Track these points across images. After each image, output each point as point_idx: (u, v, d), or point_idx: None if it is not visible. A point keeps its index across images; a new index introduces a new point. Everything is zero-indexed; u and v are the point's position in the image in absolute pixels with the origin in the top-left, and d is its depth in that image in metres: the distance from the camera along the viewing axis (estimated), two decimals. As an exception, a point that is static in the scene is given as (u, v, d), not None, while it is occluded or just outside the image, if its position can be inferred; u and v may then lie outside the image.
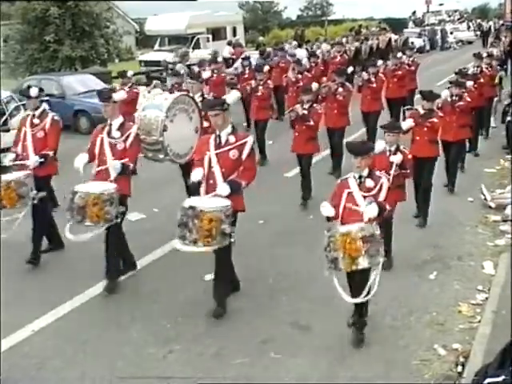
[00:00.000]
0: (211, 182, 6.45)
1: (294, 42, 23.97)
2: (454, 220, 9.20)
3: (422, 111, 8.89)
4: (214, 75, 15.37)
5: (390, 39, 27.94)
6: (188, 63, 20.88)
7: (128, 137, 7.26)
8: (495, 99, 14.69)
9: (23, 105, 13.54)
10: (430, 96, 8.96)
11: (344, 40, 25.17)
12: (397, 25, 44.43)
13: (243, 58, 17.77)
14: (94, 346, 6.06)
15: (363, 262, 5.37)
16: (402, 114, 13.89)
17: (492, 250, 8.15)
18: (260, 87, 13.13)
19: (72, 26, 22.87)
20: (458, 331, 6.22)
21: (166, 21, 30.56)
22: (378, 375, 5.50)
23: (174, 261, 7.81)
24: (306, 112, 9.79)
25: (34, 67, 23.19)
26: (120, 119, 7.36)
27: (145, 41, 38.24)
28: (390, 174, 6.92)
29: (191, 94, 9.06)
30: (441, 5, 57.73)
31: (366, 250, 5.34)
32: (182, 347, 6.02)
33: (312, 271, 7.02)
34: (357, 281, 5.70)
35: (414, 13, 55.35)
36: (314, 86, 10.89)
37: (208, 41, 29.82)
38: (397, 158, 7.24)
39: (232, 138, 6.50)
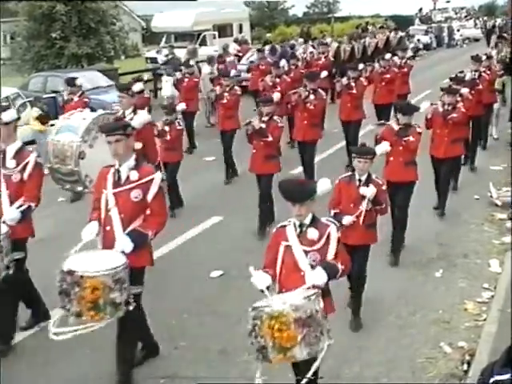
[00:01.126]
0: (108, 228, 5.15)
1: (301, 39, 23.90)
2: (460, 218, 9.18)
3: (396, 127, 7.63)
4: (186, 79, 13.92)
5: (388, 38, 26.42)
6: (197, 60, 20.89)
7: (25, 166, 5.85)
8: (496, 106, 13.54)
9: (30, 101, 13.62)
10: (406, 109, 7.74)
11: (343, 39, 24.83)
12: (403, 22, 44.31)
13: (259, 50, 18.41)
14: (99, 343, 6.07)
15: (300, 354, 4.04)
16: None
17: (498, 247, 8.13)
18: (226, 94, 11.56)
19: (78, 23, 22.88)
20: (463, 329, 6.21)
21: (172, 18, 30.52)
22: (383, 373, 5.50)
23: (180, 258, 7.84)
24: (263, 126, 8.50)
25: (41, 64, 23.21)
26: (17, 144, 5.91)
27: (151, 38, 38.22)
28: (359, 210, 6.10)
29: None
30: (447, 2, 57.57)
31: (302, 338, 3.98)
32: (187, 344, 6.03)
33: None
34: (299, 365, 4.55)
35: (421, 10, 55.14)
36: (276, 95, 9.79)
37: (214, 38, 29.78)
38: (369, 192, 6.05)
39: (134, 175, 5.11)
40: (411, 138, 7.52)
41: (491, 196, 9.80)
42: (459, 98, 9.42)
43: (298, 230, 4.54)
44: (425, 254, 7.92)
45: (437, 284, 7.19)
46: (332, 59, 18.13)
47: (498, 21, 41.20)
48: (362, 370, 5.55)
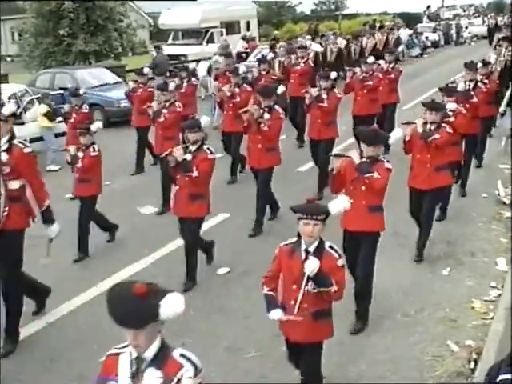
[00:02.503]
0: None
1: (308, 37, 23.85)
2: (468, 216, 9.16)
3: (356, 160, 5.92)
4: (140, 89, 12.14)
5: (387, 38, 25.07)
6: (202, 57, 20.91)
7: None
8: (497, 118, 12.57)
9: (37, 98, 13.66)
10: (372, 138, 5.99)
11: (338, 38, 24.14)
12: (411, 19, 44.18)
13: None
14: (107, 339, 6.08)
15: None
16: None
17: (505, 246, 8.10)
18: (164, 111, 9.83)
19: (86, 20, 22.94)
20: (470, 328, 6.19)
21: (179, 15, 30.56)
22: (390, 371, 5.50)
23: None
24: (188, 158, 6.85)
25: (48, 61, 23.30)
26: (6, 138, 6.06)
27: (158, 35, 38.25)
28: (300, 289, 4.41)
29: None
30: (456, -1, 57.41)
31: None
32: (194, 340, 6.03)
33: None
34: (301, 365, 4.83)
35: (429, 7, 54.89)
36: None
37: (222, 35, 29.77)
38: (309, 266, 4.26)
39: None
40: (375, 175, 5.83)
41: (499, 194, 9.77)
42: (451, 113, 8.15)
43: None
44: (432, 252, 7.89)
45: (444, 282, 7.17)
46: (312, 64, 15.64)
47: (502, 18, 40.64)
48: (368, 368, 5.55)
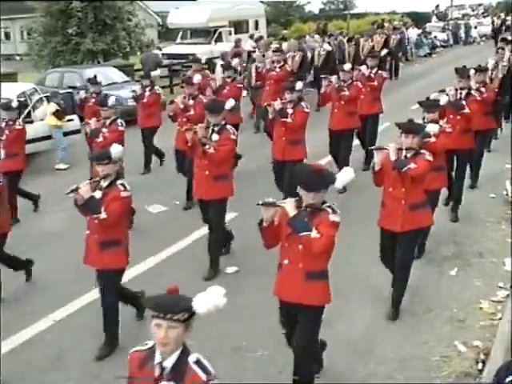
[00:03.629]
0: None
1: (317, 36, 23.80)
2: (476, 216, 9.13)
3: (291, 212, 4.69)
4: (91, 101, 11.13)
5: (387, 39, 22.75)
6: (210, 57, 20.92)
7: None
8: (499, 131, 12.06)
9: (46, 97, 13.70)
10: (314, 183, 4.69)
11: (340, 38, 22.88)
12: (420, 19, 44.06)
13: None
14: (121, 337, 6.10)
15: None
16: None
17: (514, 246, 8.08)
18: (104, 130, 8.85)
19: (94, 19, 22.99)
20: (478, 328, 6.18)
21: (188, 14, 30.56)
22: (397, 371, 5.50)
23: (195, 253, 7.86)
24: (97, 196, 5.78)
25: (57, 60, 23.35)
26: None
27: (167, 34, 38.31)
28: None
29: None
30: (464, -3, 57.22)
31: None
32: (202, 340, 6.03)
33: (336, 267, 7.00)
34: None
35: (438, 7, 54.74)
36: (115, 149, 5.83)
37: (230, 34, 29.77)
38: None
39: None
40: (312, 234, 4.57)
41: (507, 194, 9.73)
42: (432, 133, 6.78)
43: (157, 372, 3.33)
44: (440, 252, 7.88)
45: (452, 283, 7.16)
46: (289, 69, 14.03)
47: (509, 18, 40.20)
48: (376, 368, 5.55)
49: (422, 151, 6.05)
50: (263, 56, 14.83)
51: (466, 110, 8.55)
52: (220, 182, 7.24)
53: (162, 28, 40.67)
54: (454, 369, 5.54)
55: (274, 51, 13.83)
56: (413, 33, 31.66)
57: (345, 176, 4.86)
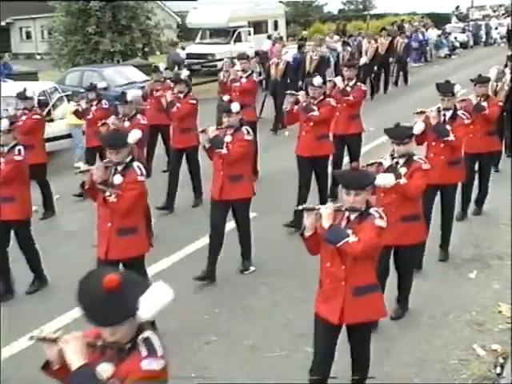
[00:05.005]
0: None
1: (336, 37, 23.72)
2: (495, 219, 9.05)
3: (347, 203, 4.49)
4: (24, 116, 9.54)
5: (391, 42, 21.24)
6: (229, 56, 20.88)
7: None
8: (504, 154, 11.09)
9: (67, 95, 13.81)
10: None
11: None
12: (440, 20, 43.82)
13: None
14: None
15: None
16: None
17: (534, 250, 8.00)
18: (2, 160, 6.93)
19: (112, 19, 23.10)
20: (497, 332, 6.13)
21: (207, 14, 30.64)
22: (415, 373, 5.47)
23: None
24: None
25: (77, 58, 23.52)
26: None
27: (186, 34, 38.43)
28: None
29: None
30: (485, -1, 56.84)
31: None
32: (219, 339, 6.06)
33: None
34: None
35: (458, 7, 54.49)
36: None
37: (249, 34, 29.80)
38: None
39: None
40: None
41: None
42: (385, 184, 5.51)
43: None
44: (459, 254, 7.83)
45: (471, 285, 7.11)
46: (258, 80, 12.30)
47: None
48: (393, 370, 5.52)
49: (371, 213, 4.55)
50: (232, 63, 12.30)
51: (451, 138, 7.10)
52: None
53: (182, 28, 40.77)
54: (473, 372, 5.49)
55: (240, 58, 11.53)
56: (433, 34, 31.50)
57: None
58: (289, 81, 15.49)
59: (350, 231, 4.35)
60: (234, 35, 28.85)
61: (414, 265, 6.53)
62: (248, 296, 6.93)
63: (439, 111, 7.29)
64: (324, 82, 8.69)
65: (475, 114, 8.41)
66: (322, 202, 8.22)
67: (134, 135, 5.87)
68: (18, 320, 6.47)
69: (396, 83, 22.09)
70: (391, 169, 5.77)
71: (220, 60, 24.19)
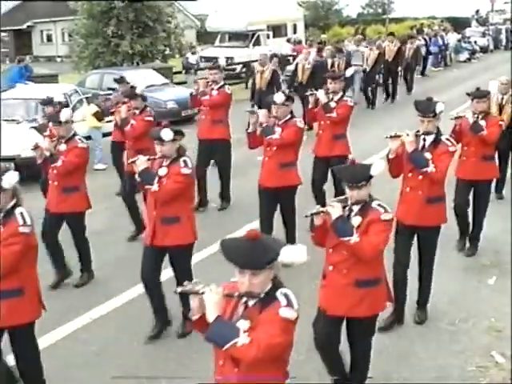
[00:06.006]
0: None
1: (375, 37, 23.42)
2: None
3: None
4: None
5: (400, 49, 19.97)
6: (248, 60, 20.99)
7: None
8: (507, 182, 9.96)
9: (87, 98, 13.91)
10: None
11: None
12: (459, 24, 43.59)
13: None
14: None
15: None
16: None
17: (554, 256, 7.92)
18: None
19: (134, 20, 23.23)
20: (516, 338, 6.08)
21: (226, 18, 30.76)
22: (433, 379, 5.44)
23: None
24: (165, 172, 5.86)
25: (97, 61, 23.69)
26: None
27: (205, 37, 38.59)
28: None
29: None
30: (506, 3, 56.35)
31: None
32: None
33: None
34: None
35: (478, 11, 54.11)
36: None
37: (268, 37, 29.87)
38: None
39: None
40: (353, 240, 4.52)
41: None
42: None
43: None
44: (478, 260, 7.79)
45: (490, 291, 7.06)
46: (229, 92, 9.75)
47: None
48: (411, 376, 5.49)
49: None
50: (213, 69, 9.90)
51: (431, 168, 5.81)
52: (173, 226, 5.92)
53: (201, 31, 40.93)
54: (491, 379, 5.46)
55: (210, 68, 10.04)
56: (452, 38, 31.36)
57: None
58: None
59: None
60: (253, 39, 28.91)
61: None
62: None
63: (417, 135, 5.96)
64: (288, 99, 7.38)
65: (471, 134, 7.51)
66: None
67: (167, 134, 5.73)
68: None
69: (409, 90, 21.12)
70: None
71: (239, 64, 24.29)
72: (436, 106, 5.93)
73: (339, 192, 8.30)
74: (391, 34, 22.12)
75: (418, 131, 5.99)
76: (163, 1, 24.50)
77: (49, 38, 48.76)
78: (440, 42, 28.45)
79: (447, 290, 6.89)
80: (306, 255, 3.36)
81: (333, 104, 8.47)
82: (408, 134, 5.87)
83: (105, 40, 23.47)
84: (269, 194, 7.54)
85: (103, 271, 7.69)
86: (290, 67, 21.01)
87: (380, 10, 59.86)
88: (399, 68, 20.27)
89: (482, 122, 7.51)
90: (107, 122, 12.97)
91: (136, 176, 5.90)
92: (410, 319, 6.37)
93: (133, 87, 9.84)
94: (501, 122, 7.90)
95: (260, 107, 13.13)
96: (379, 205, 4.60)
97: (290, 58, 23.87)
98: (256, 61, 18.33)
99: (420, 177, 5.94)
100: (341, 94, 8.69)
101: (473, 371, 5.57)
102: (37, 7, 45.18)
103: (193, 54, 24.82)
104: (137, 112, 8.87)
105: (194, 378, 5.38)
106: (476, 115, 7.60)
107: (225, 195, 10.07)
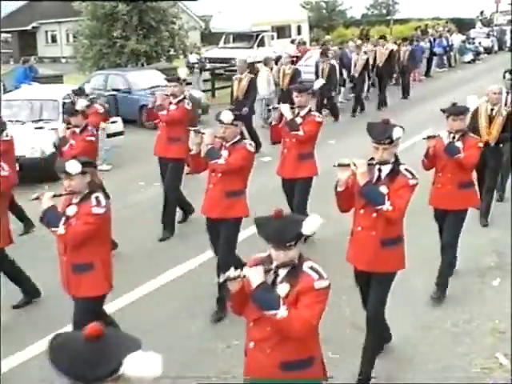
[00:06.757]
0: None
1: (359, 41, 23.66)
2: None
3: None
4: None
5: (392, 52, 19.35)
6: (252, 61, 20.99)
7: None
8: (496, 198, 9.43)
9: (91, 99, 13.93)
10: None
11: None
12: (464, 25, 43.57)
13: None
14: (156, 337, 6.17)
15: None
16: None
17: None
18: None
19: (139, 21, 23.28)
20: (520, 340, 6.08)
21: (230, 18, 30.78)
22: (437, 380, 5.45)
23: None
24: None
25: (101, 62, 23.73)
26: None
27: (210, 38, 38.63)
28: None
29: None
30: (510, 4, 56.28)
31: None
32: (240, 343, 6.04)
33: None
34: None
35: (482, 12, 54.08)
36: None
37: (272, 39, 29.88)
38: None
39: None
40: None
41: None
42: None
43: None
44: (482, 262, 7.79)
45: (494, 293, 7.06)
46: (188, 107, 8.81)
47: None
48: (414, 377, 5.50)
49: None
50: (172, 81, 9.02)
51: (386, 206, 4.87)
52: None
53: (205, 32, 40.96)
54: (495, 381, 5.46)
55: (168, 80, 9.15)
56: (456, 39, 31.34)
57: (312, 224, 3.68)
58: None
59: (384, 190, 4.86)
60: (258, 40, 28.93)
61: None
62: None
63: (370, 164, 4.97)
64: (237, 117, 6.37)
65: (447, 157, 6.58)
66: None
67: None
68: (32, 326, 6.53)
69: (405, 95, 20.56)
70: (262, 289, 3.59)
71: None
72: (392, 132, 4.89)
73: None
74: (382, 37, 21.67)
75: (371, 159, 4.99)
76: (167, 1, 24.52)
77: (53, 39, 48.87)
78: (444, 42, 28.46)
79: (451, 292, 6.89)
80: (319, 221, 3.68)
81: (299, 120, 7.68)
82: (355, 165, 4.89)
83: (109, 41, 23.51)
84: (214, 224, 6.55)
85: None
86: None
87: (384, 11, 59.86)
88: (392, 72, 19.55)
89: (459, 144, 6.52)
90: (112, 122, 13.03)
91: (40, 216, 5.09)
92: (413, 320, 6.38)
93: (73, 103, 9.13)
94: (480, 144, 6.70)
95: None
96: (312, 268, 3.66)
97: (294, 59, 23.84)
98: (260, 62, 18.43)
99: (374, 214, 4.99)
100: (308, 108, 7.82)
101: (477, 373, 5.57)
102: (41, 8, 45.29)
103: (191, 53, 24.82)
104: (77, 131, 8.05)
105: (197, 379, 5.43)
106: (452, 135, 6.61)
107: (166, 222, 8.88)
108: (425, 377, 5.49)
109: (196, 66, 22.64)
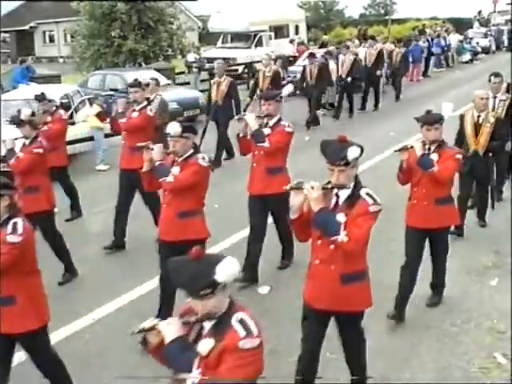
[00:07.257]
0: None
1: (357, 41, 23.68)
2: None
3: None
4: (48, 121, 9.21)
5: (380, 52, 18.70)
6: (250, 61, 21.01)
7: None
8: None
9: (89, 99, 13.93)
10: None
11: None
12: (462, 24, 43.60)
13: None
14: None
15: None
16: None
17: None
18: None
19: (137, 21, 23.27)
20: (518, 340, 6.08)
21: (228, 18, 30.78)
22: (435, 380, 5.44)
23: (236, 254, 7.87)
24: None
25: (99, 61, 23.72)
26: None
27: (207, 38, 38.62)
28: None
29: None
30: (508, 4, 56.33)
31: None
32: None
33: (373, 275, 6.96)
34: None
35: (480, 12, 54.13)
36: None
37: (270, 38, 29.87)
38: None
39: None
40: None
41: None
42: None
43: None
44: (480, 261, 7.77)
45: (492, 293, 7.05)
46: (151, 114, 8.51)
47: None
48: (412, 377, 5.49)
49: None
50: (133, 86, 8.68)
51: (341, 237, 4.29)
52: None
53: (203, 31, 40.95)
54: (493, 381, 5.45)
55: (130, 86, 8.78)
56: (454, 39, 31.37)
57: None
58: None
59: (341, 218, 4.28)
60: (255, 39, 28.92)
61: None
62: (269, 300, 6.93)
63: (325, 188, 4.33)
64: (187, 129, 5.75)
65: (421, 171, 6.10)
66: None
67: None
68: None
69: (397, 97, 20.33)
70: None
71: (241, 64, 24.27)
72: (347, 152, 4.24)
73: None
74: (372, 37, 21.12)
75: (328, 183, 4.40)
76: (165, 1, 24.52)
77: (51, 39, 48.84)
78: (442, 42, 28.51)
79: (449, 292, 6.88)
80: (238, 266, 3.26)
81: (267, 130, 6.98)
82: (313, 187, 4.25)
83: (107, 41, 23.50)
84: (170, 248, 5.81)
85: (105, 272, 7.70)
86: (292, 68, 21.08)
87: (382, 11, 59.90)
88: (380, 72, 18.86)
89: (434, 156, 6.04)
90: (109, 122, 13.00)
91: None
92: (411, 320, 6.38)
93: (19, 112, 7.82)
94: (458, 156, 6.16)
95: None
96: (241, 321, 3.32)
97: (291, 59, 23.87)
98: (260, 61, 18.40)
99: (331, 246, 4.42)
100: (278, 117, 7.09)
101: (475, 372, 5.56)
102: (39, 8, 45.26)
103: (188, 52, 24.85)
104: (26, 142, 7.43)
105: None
106: (427, 146, 6.13)
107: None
108: (422, 377, 5.49)
109: (194, 65, 22.67)
